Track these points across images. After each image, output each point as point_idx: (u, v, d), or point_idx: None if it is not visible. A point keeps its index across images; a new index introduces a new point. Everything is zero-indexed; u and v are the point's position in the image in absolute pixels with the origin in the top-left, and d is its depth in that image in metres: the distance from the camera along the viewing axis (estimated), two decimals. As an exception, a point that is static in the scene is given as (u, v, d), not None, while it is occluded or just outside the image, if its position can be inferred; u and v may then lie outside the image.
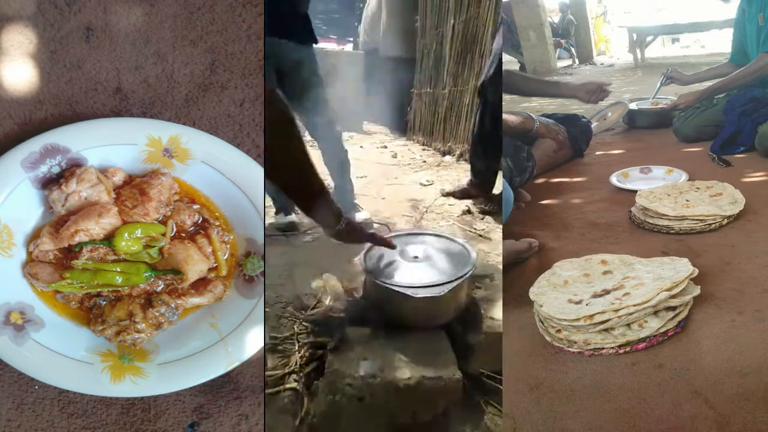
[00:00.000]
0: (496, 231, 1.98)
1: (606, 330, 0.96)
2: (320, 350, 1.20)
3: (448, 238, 1.33)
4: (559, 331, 1.00)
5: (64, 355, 0.89)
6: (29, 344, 0.89)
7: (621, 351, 0.95)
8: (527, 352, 1.01)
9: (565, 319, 0.97)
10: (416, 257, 1.23)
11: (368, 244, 1.25)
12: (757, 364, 0.87)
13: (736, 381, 0.85)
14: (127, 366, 0.90)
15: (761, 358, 0.88)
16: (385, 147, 3.38)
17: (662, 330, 0.95)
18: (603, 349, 0.96)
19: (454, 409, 1.12)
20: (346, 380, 1.03)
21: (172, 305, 0.94)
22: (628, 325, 0.96)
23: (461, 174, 2.72)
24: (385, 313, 1.20)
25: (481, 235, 1.92)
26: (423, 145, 3.39)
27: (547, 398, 0.90)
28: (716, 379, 0.86)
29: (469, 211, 2.11)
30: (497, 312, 1.22)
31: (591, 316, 0.95)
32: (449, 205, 2.16)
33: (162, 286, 0.95)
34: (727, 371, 0.87)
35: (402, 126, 3.69)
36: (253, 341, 0.93)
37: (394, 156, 3.20)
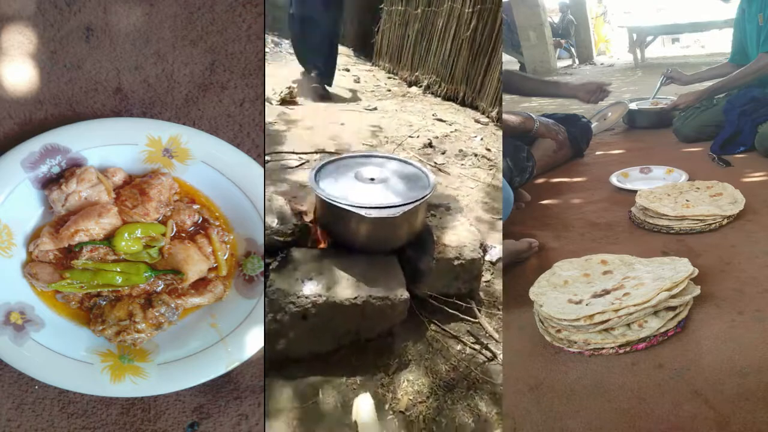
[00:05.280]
0: (455, 166, 1.96)
1: (606, 330, 0.96)
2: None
3: (405, 161, 1.31)
4: (559, 331, 1.00)
5: (64, 355, 0.89)
6: (29, 344, 0.89)
7: (621, 351, 0.95)
8: (527, 352, 1.01)
9: (565, 319, 0.97)
10: (372, 179, 1.20)
11: (320, 163, 1.21)
12: (757, 364, 0.87)
13: (736, 381, 0.85)
14: (127, 366, 0.90)
15: (761, 358, 0.88)
16: (348, 70, 3.24)
17: (662, 330, 0.95)
18: (603, 349, 0.96)
19: (398, 328, 1.11)
20: (289, 299, 1.02)
21: (172, 305, 0.94)
22: (628, 325, 0.96)
23: (426, 107, 2.67)
24: (335, 235, 1.16)
25: (440, 169, 1.90)
26: (389, 72, 3.26)
27: (547, 398, 0.90)
28: (716, 379, 0.86)
29: (430, 144, 2.09)
30: (449, 238, 1.20)
31: (591, 316, 0.95)
32: (410, 137, 2.13)
33: (162, 286, 0.95)
34: (727, 371, 0.87)
35: (367, 48, 3.48)
36: (253, 341, 0.93)
37: (357, 81, 3.05)
